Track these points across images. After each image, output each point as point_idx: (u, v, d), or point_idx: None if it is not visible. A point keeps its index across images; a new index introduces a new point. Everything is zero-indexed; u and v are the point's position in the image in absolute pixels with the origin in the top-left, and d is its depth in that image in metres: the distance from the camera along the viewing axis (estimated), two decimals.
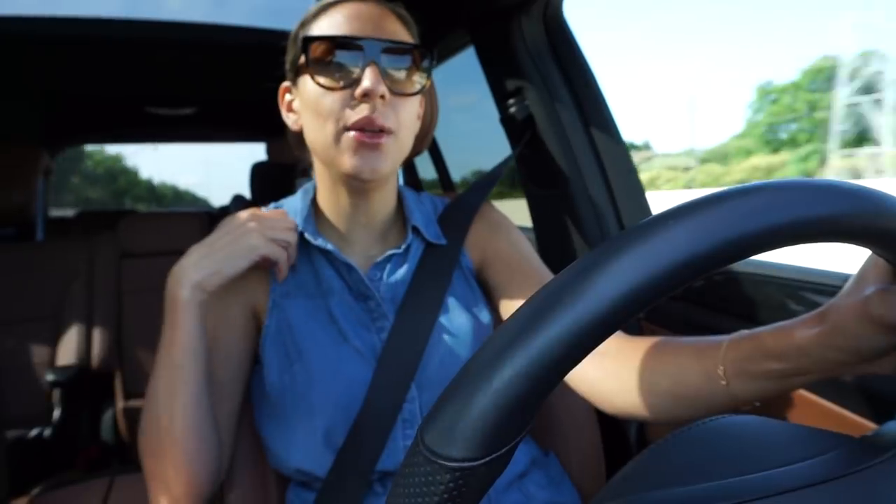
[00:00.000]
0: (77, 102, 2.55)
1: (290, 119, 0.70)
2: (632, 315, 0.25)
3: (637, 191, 1.07)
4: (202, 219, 2.16)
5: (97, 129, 3.22)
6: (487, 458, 0.25)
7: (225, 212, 3.34)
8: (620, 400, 0.60)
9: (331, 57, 0.60)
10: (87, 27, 1.56)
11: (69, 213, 3.54)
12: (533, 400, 0.25)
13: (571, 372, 0.63)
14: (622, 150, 1.06)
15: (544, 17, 1.06)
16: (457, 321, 0.70)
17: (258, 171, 2.83)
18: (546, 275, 0.74)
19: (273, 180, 2.78)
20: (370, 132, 0.60)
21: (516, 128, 1.11)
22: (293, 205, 0.73)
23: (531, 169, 1.17)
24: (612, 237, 0.29)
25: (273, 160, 3.16)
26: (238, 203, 3.26)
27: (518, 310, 0.26)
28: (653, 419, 0.58)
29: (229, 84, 2.30)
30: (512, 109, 1.11)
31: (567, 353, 0.24)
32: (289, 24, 0.68)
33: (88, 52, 1.80)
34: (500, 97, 1.16)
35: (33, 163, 2.11)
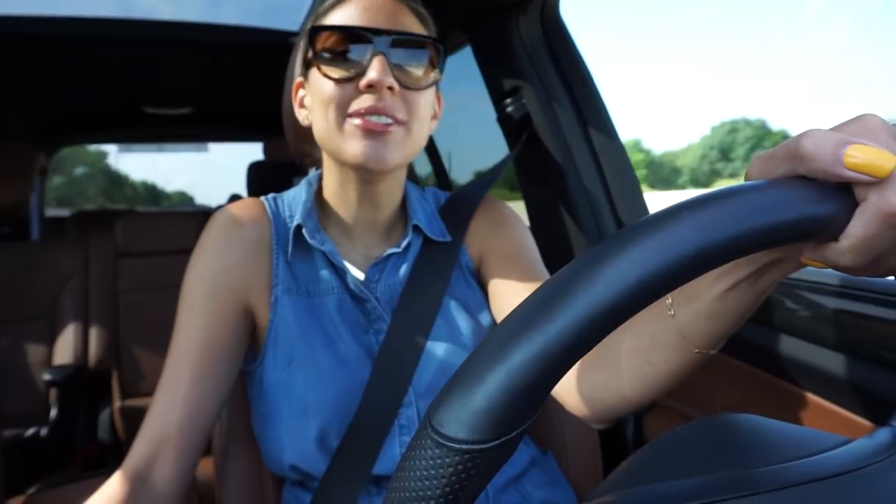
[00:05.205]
0: (73, 102, 2.54)
1: (301, 115, 0.68)
2: (646, 303, 0.25)
3: (634, 188, 1.07)
4: (198, 218, 2.16)
5: (94, 129, 3.21)
6: (498, 441, 0.25)
7: None
8: (598, 382, 0.56)
9: (338, 48, 0.59)
10: (83, 27, 1.55)
11: (64, 212, 3.53)
12: (546, 383, 0.25)
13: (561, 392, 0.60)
14: (619, 148, 1.06)
15: (541, 17, 1.06)
16: (456, 323, 0.68)
17: (255, 171, 2.83)
18: (542, 273, 0.71)
19: (270, 180, 2.77)
20: (376, 120, 0.58)
21: (513, 127, 1.12)
22: (295, 197, 0.71)
23: (528, 167, 1.17)
24: (628, 226, 0.29)
25: (270, 159, 3.15)
26: None
27: (533, 292, 0.26)
28: (627, 387, 0.53)
29: (226, 83, 2.30)
30: (509, 109, 1.11)
31: (582, 336, 0.25)
32: (285, 23, 0.68)
33: (85, 52, 1.80)
34: (497, 96, 1.16)
35: (29, 162, 2.11)
